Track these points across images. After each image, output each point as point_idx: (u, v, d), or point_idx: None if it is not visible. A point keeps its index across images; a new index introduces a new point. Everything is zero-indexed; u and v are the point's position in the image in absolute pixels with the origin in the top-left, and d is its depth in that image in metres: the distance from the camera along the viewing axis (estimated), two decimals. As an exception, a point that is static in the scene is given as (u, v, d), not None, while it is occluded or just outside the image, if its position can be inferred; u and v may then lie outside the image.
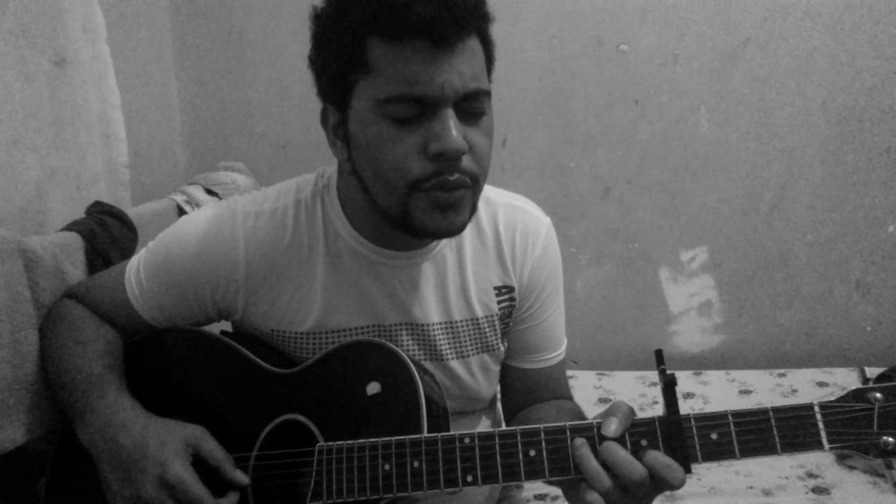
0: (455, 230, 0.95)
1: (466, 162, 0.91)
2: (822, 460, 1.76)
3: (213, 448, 0.97)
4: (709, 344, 2.51)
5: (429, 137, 0.88)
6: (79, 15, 1.55)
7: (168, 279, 1.08)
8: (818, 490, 1.65)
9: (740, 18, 2.25)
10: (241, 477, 0.97)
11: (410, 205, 0.92)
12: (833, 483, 1.67)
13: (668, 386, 0.82)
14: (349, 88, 0.92)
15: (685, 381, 2.24)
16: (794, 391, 2.14)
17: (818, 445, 0.78)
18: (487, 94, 0.93)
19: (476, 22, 0.91)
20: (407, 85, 0.87)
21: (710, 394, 2.14)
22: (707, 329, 2.50)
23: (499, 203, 1.15)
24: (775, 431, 0.79)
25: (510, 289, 1.15)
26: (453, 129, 0.88)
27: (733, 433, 0.80)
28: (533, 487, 1.66)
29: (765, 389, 2.15)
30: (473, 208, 0.97)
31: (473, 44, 0.90)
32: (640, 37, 2.29)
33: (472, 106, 0.91)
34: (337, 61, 0.92)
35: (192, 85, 2.40)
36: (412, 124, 0.89)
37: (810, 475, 1.71)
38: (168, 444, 0.94)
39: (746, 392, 2.15)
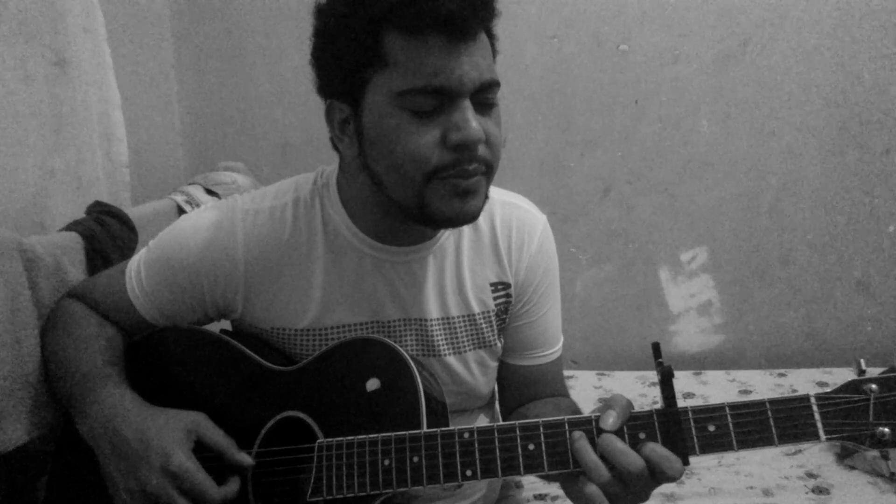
0: (472, 216, 0.96)
1: (482, 150, 0.92)
2: (822, 460, 1.76)
3: (214, 433, 0.97)
4: (709, 344, 2.51)
5: (449, 128, 0.90)
6: (79, 15, 1.55)
7: (168, 278, 1.09)
8: (818, 490, 1.65)
9: (740, 18, 2.26)
10: (246, 458, 0.97)
11: (427, 194, 0.93)
12: (833, 483, 1.67)
13: (666, 378, 0.82)
14: (363, 83, 0.93)
15: (685, 380, 2.24)
16: (794, 391, 2.14)
17: (815, 436, 0.78)
18: (499, 84, 0.95)
19: (489, 16, 0.93)
20: (426, 77, 0.88)
21: (710, 394, 2.14)
22: (707, 329, 2.50)
23: (495, 200, 1.16)
24: (772, 423, 0.80)
25: (506, 285, 1.15)
26: (472, 119, 0.89)
27: (730, 425, 0.81)
28: (533, 487, 1.66)
29: (765, 389, 2.15)
30: (486, 196, 0.98)
31: (484, 38, 0.93)
32: (640, 37, 2.29)
33: (485, 97, 0.93)
34: (350, 56, 0.92)
35: (192, 85, 2.41)
36: (430, 116, 0.90)
37: (810, 475, 1.71)
38: (169, 433, 0.94)
39: (746, 392, 2.14)
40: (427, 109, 0.90)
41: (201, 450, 0.96)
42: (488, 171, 0.95)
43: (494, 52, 0.98)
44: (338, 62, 0.95)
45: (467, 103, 0.90)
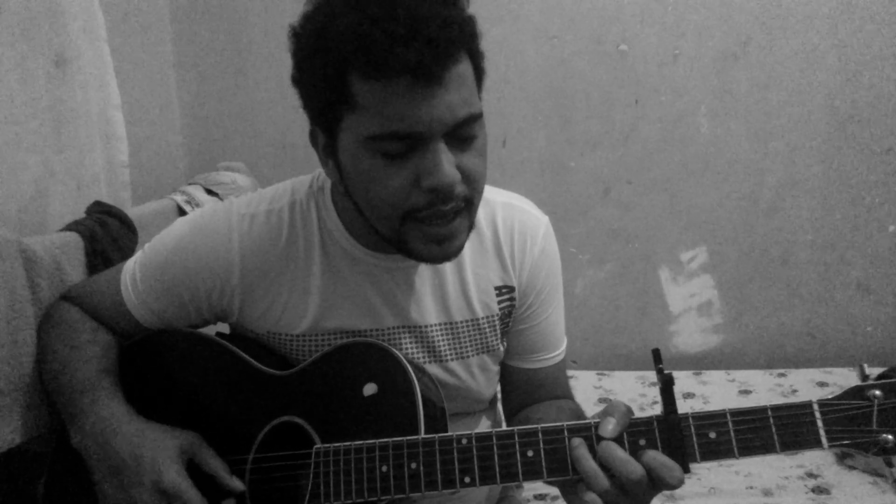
0: (452, 256, 0.95)
1: (460, 189, 0.90)
2: (822, 460, 1.76)
3: (207, 455, 0.97)
4: (709, 344, 2.51)
5: (420, 172, 0.87)
6: (79, 15, 1.55)
7: (163, 282, 1.08)
8: (818, 490, 1.65)
9: (740, 18, 2.25)
10: (237, 484, 0.97)
11: (405, 234, 0.92)
12: (833, 483, 1.67)
13: (666, 385, 0.82)
14: (336, 120, 0.90)
15: (685, 380, 2.24)
16: (794, 391, 2.14)
17: (817, 444, 0.78)
18: (479, 116, 0.91)
19: (464, 46, 0.87)
20: (393, 123, 0.84)
21: (710, 394, 2.14)
22: (707, 329, 2.50)
23: (496, 202, 1.15)
24: (774, 430, 0.79)
25: (510, 289, 1.15)
26: (445, 163, 0.86)
27: (732, 432, 0.80)
28: (533, 487, 1.66)
29: (765, 389, 2.15)
30: (470, 228, 0.97)
31: (462, 67, 0.87)
32: (640, 37, 2.29)
33: (463, 132, 0.88)
34: (321, 92, 0.90)
35: (192, 85, 2.40)
36: (403, 158, 0.87)
37: (810, 475, 1.71)
38: (163, 451, 0.93)
39: (746, 392, 2.14)
40: (398, 153, 0.87)
41: (194, 470, 0.95)
42: (468, 205, 0.93)
43: (481, 73, 0.93)
44: (312, 95, 0.93)
45: (439, 146, 0.86)
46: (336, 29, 0.84)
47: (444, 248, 0.93)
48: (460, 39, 0.85)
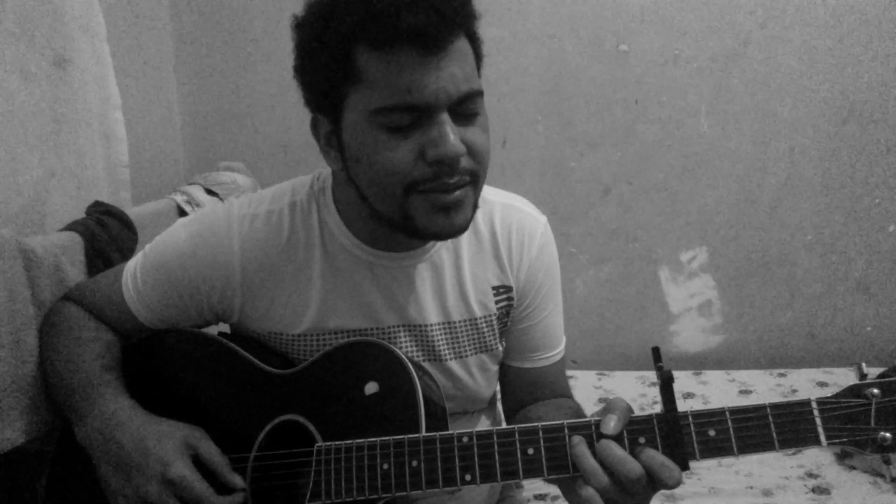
0: (459, 230, 0.95)
1: (465, 162, 0.91)
2: (822, 460, 1.76)
3: (210, 450, 0.97)
4: (709, 344, 2.51)
5: (426, 143, 0.88)
6: (79, 15, 1.55)
7: (164, 283, 1.08)
8: (818, 490, 1.65)
9: (740, 18, 2.25)
10: (238, 481, 0.97)
11: (410, 208, 0.92)
12: (833, 483, 1.67)
13: (666, 383, 0.81)
14: (340, 99, 0.91)
15: (685, 380, 2.24)
16: (794, 391, 2.14)
17: (816, 441, 0.78)
18: (481, 94, 0.92)
19: (464, 22, 0.90)
20: (399, 94, 0.86)
21: (710, 394, 2.14)
22: (707, 329, 2.50)
23: (495, 203, 1.15)
24: (773, 428, 0.79)
25: (508, 289, 1.15)
26: (450, 133, 0.87)
27: (731, 430, 0.80)
28: (533, 487, 1.66)
29: (765, 389, 2.16)
30: (475, 206, 0.97)
31: (462, 44, 0.89)
32: (640, 37, 2.29)
33: (466, 108, 0.90)
34: (326, 72, 0.91)
35: (192, 85, 2.40)
36: (408, 131, 0.88)
37: (810, 475, 1.71)
38: (168, 443, 0.94)
39: (746, 392, 2.14)
40: (403, 125, 0.88)
41: (197, 464, 0.95)
42: (474, 181, 0.94)
43: (479, 57, 0.95)
44: (316, 78, 0.94)
45: (444, 117, 0.87)
46: (342, 5, 0.87)
47: (450, 219, 0.93)
48: (463, 13, 0.89)
